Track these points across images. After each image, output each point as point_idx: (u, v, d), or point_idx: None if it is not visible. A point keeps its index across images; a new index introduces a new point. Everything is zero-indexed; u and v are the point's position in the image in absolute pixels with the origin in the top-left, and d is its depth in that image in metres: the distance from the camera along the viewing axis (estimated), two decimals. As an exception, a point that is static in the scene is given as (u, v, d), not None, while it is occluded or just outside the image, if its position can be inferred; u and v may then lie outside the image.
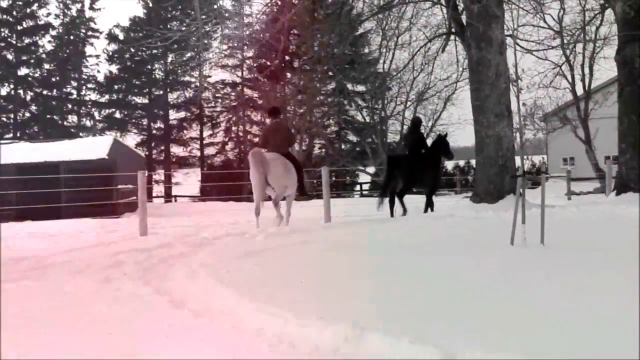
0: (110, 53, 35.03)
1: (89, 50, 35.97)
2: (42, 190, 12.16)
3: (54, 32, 35.10)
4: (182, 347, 3.15)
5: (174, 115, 35.90)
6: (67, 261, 6.16)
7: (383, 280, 4.23)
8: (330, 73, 26.33)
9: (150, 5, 34.55)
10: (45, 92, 35.07)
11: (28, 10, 34.40)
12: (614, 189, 10.38)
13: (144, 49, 32.17)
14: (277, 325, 3.22)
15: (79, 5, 35.60)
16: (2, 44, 33.75)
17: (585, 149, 22.30)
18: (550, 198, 10.48)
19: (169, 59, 34.83)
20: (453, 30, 11.37)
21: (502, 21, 9.87)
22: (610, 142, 13.71)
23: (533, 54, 17.71)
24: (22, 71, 34.47)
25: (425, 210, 9.53)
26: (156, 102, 35.22)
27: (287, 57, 28.49)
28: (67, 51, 35.41)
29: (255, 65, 32.41)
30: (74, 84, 35.90)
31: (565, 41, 19.20)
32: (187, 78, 36.07)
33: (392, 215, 9.30)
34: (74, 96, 35.93)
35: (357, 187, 31.49)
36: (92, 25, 35.77)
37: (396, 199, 9.38)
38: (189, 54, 32.42)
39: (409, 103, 27.80)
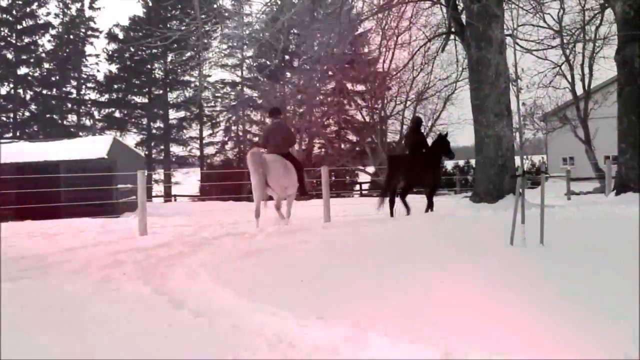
0: (110, 52, 35.13)
1: (88, 49, 36.10)
2: (41, 190, 12.14)
3: (53, 32, 35.17)
4: (182, 347, 3.14)
5: (173, 114, 35.99)
6: (66, 261, 6.14)
7: (383, 280, 4.23)
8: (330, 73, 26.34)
9: (150, 4, 34.61)
10: (44, 92, 35.08)
11: (28, 9, 34.43)
12: (613, 189, 10.36)
13: (143, 48, 32.22)
14: (276, 324, 3.22)
15: (78, 5, 35.65)
16: (2, 43, 33.77)
17: (585, 149, 22.27)
18: (550, 198, 10.48)
19: (169, 59, 34.87)
20: (453, 29, 11.35)
21: (501, 21, 9.86)
22: (610, 142, 13.69)
23: (533, 54, 17.76)
24: (22, 70, 34.57)
25: (426, 210, 9.53)
26: (156, 102, 35.25)
27: (287, 57, 28.50)
28: (67, 50, 35.41)
29: (254, 64, 32.43)
30: (74, 83, 35.92)
31: (565, 41, 19.17)
32: (186, 77, 36.16)
33: (392, 215, 9.29)
34: (74, 95, 35.94)
35: (357, 187, 31.51)
36: (91, 24, 35.83)
37: (397, 199, 9.38)
38: (188, 54, 32.48)
39: (408, 103, 27.83)
